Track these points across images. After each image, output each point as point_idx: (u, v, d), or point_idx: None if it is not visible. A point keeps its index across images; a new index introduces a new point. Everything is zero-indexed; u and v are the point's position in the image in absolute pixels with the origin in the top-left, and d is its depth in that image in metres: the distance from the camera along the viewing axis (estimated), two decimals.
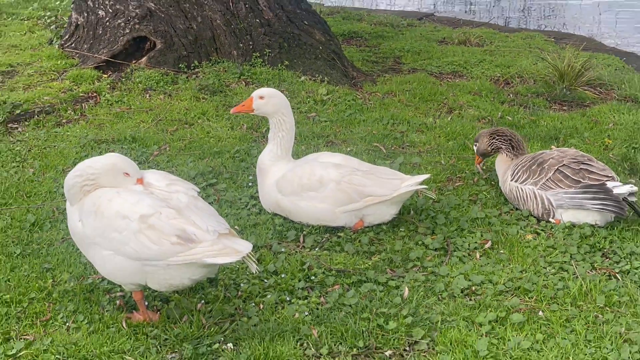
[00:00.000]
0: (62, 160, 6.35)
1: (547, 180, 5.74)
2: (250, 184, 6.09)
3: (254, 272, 4.54)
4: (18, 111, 7.19)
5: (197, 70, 8.07)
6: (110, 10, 8.25)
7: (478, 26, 12.08)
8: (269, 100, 5.41)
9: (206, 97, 7.60)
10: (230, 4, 8.31)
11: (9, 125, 7.04)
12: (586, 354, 4.44)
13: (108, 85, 7.75)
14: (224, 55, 8.24)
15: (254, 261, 4.20)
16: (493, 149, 6.06)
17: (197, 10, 8.22)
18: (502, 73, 9.25)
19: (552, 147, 6.37)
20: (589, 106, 8.34)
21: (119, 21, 8.20)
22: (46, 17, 10.17)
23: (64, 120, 7.14)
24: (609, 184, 5.65)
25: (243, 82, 7.93)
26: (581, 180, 5.69)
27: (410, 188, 5.39)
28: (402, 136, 7.08)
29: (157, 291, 4.62)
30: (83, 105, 7.42)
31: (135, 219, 4.04)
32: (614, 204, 5.61)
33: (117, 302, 4.70)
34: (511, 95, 8.53)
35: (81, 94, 7.58)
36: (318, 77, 8.15)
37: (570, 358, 4.39)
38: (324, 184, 5.34)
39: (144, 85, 7.77)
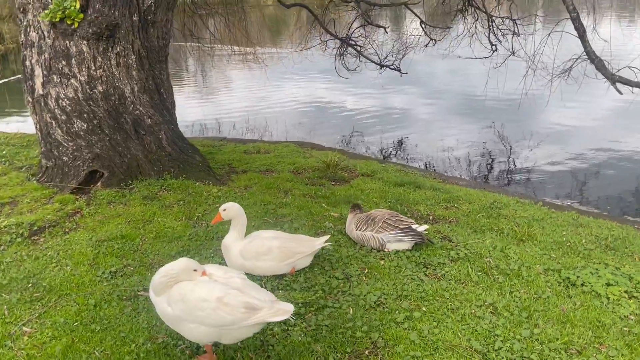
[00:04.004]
0: (84, 257, 5.36)
1: (378, 228, 5.58)
2: (212, 254, 5.43)
3: (292, 320, 4.02)
4: (35, 228, 5.94)
5: (132, 186, 7.12)
6: (72, 157, 7.15)
7: (255, 142, 11.60)
8: (229, 211, 4.89)
9: (149, 203, 6.71)
10: (146, 145, 7.43)
11: (32, 238, 5.79)
12: (462, 329, 4.29)
13: (85, 203, 6.62)
14: (145, 176, 7.41)
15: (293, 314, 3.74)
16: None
17: (127, 151, 7.35)
18: (293, 167, 8.90)
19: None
20: (348, 181, 8.22)
21: (79, 162, 7.15)
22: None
23: (67, 230, 6.03)
24: (413, 226, 5.62)
25: (165, 191, 7.09)
26: (398, 226, 5.58)
27: (321, 245, 5.10)
28: (274, 212, 6.57)
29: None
30: (75, 218, 6.29)
31: (212, 300, 3.55)
32: (419, 236, 5.60)
33: (187, 352, 4.00)
34: (308, 179, 8.22)
35: (70, 211, 6.42)
36: (205, 182, 7.52)
37: (458, 333, 4.22)
38: (272, 250, 4.89)
39: (106, 200, 6.75)
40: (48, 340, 4.03)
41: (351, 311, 4.43)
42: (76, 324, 4.22)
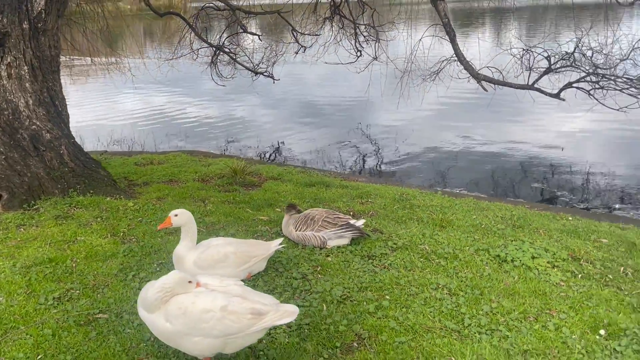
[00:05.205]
0: (16, 286, 4.84)
1: (318, 227, 5.70)
2: (158, 269, 5.17)
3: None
4: None
5: (36, 207, 6.53)
6: None
7: (141, 153, 11.07)
8: (180, 217, 4.71)
9: (64, 222, 6.19)
10: (47, 162, 6.84)
11: None
12: (430, 312, 4.53)
13: None
14: (49, 194, 6.82)
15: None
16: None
17: (26, 169, 6.71)
18: (197, 176, 8.65)
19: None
20: (259, 185, 8.19)
21: None
22: None
23: None
24: (351, 222, 5.80)
25: (76, 209, 6.58)
26: (337, 223, 5.73)
27: (276, 247, 5.08)
28: (202, 220, 6.38)
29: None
30: None
31: (217, 310, 3.47)
32: (359, 231, 5.78)
33: None
34: (218, 186, 8.05)
35: None
36: (114, 197, 7.07)
37: (428, 316, 4.44)
38: (228, 256, 4.80)
39: (14, 223, 6.11)
40: None
41: (325, 308, 4.49)
42: (40, 357, 3.81)
